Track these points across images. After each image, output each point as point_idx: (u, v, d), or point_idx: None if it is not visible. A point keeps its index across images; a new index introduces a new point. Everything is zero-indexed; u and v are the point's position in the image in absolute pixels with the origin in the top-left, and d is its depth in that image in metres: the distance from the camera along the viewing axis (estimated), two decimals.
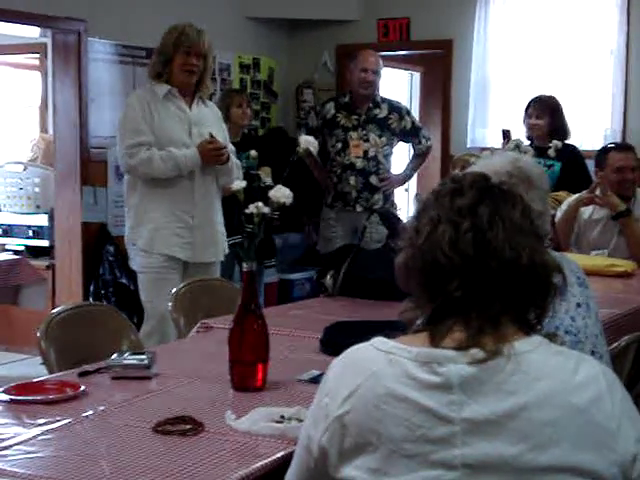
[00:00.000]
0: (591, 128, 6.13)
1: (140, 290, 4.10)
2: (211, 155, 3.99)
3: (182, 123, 4.04)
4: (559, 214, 4.32)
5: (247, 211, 2.16)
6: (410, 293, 1.37)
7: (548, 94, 5.30)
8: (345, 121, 5.43)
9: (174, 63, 3.99)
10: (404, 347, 1.30)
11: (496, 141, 5.35)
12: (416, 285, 1.35)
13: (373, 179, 5.41)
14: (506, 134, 5.20)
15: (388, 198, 5.51)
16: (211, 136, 4.00)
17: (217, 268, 4.18)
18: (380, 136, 5.40)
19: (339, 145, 5.42)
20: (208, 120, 4.13)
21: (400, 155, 6.20)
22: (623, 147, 4.60)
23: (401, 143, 5.73)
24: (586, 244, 4.38)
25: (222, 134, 4.18)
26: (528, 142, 5.04)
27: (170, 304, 3.23)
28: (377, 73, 5.37)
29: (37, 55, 6.93)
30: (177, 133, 4.02)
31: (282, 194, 2.16)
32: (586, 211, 4.40)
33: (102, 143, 5.76)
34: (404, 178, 5.75)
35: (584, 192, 4.36)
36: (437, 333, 1.30)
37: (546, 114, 5.09)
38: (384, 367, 1.28)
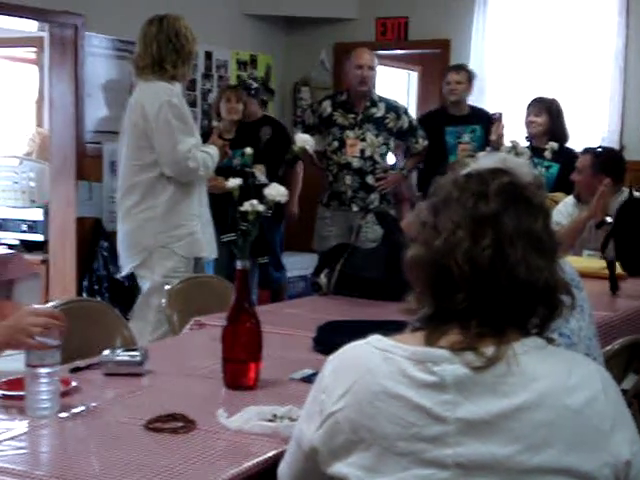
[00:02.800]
0: (589, 130, 6.13)
1: (154, 298, 3.87)
2: (222, 153, 4.04)
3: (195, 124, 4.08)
4: (560, 218, 4.28)
5: (242, 209, 2.15)
6: (414, 286, 1.36)
7: (551, 97, 5.32)
8: (342, 120, 5.42)
9: (192, 57, 3.95)
10: (400, 345, 1.29)
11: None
12: (423, 283, 1.34)
13: (369, 178, 5.41)
14: (496, 118, 5.25)
15: (384, 198, 5.50)
16: (219, 136, 4.03)
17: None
18: (377, 135, 5.39)
19: (335, 144, 5.41)
20: None
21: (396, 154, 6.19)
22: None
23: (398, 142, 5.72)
24: (578, 244, 4.37)
25: None
26: (527, 142, 5.06)
27: (164, 300, 3.22)
28: (372, 69, 5.36)
29: (34, 49, 6.91)
30: (197, 134, 4.04)
31: (277, 192, 2.15)
32: (575, 211, 4.38)
33: (98, 138, 5.75)
34: (400, 178, 5.74)
35: (593, 201, 4.25)
36: (434, 333, 1.30)
37: (545, 113, 5.10)
38: (379, 365, 1.28)
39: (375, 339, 1.32)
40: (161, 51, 3.86)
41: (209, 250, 4.13)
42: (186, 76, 4.02)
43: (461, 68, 5.63)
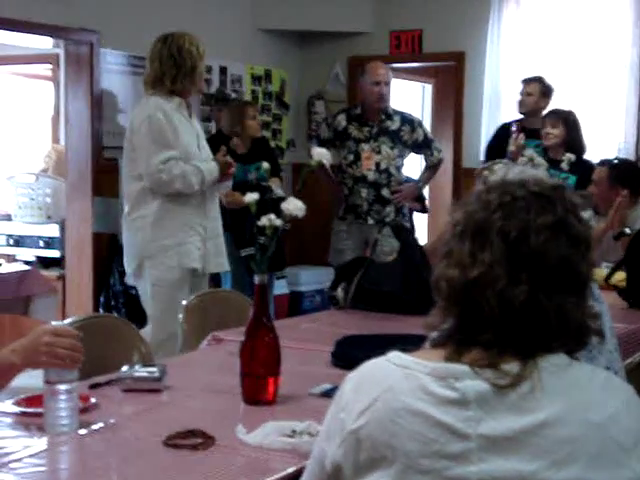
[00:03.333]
0: (605, 142, 6.11)
1: (150, 303, 4.03)
2: (228, 171, 4.05)
3: (193, 137, 4.06)
4: None
5: (259, 223, 2.15)
6: (439, 302, 1.34)
7: (567, 109, 5.29)
8: (357, 133, 5.42)
9: (196, 73, 3.97)
10: (420, 362, 1.28)
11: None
12: (451, 305, 1.32)
13: (385, 191, 5.40)
14: (518, 128, 5.22)
15: (400, 211, 5.49)
16: (228, 150, 4.03)
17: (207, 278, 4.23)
18: (392, 148, 5.39)
19: (351, 157, 5.41)
20: (203, 132, 4.21)
21: (412, 167, 6.19)
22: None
23: (412, 155, 5.72)
24: (597, 256, 4.34)
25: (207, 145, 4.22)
26: (543, 154, 5.04)
27: (181, 316, 3.22)
28: (388, 84, 5.37)
29: (50, 65, 6.95)
30: (193, 147, 4.03)
31: (295, 206, 2.15)
32: (592, 223, 4.35)
33: (113, 154, 5.77)
34: (416, 190, 5.73)
35: (610, 212, 4.23)
36: (456, 350, 1.29)
37: (561, 124, 5.08)
38: (400, 381, 1.27)
39: (395, 356, 1.31)
40: (162, 67, 3.96)
41: (214, 263, 4.12)
42: (191, 91, 4.04)
43: (532, 80, 5.57)
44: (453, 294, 1.30)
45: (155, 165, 3.87)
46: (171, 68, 3.94)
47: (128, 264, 4.10)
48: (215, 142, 5.13)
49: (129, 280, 4.21)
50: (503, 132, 5.59)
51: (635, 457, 1.24)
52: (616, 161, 4.44)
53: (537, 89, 5.50)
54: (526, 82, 5.59)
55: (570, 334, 1.29)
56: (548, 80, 5.58)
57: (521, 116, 5.59)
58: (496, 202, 1.30)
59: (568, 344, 1.31)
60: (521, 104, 5.55)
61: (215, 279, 5.52)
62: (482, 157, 5.83)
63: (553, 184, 1.34)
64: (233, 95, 5.92)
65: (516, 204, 1.30)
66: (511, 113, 6.26)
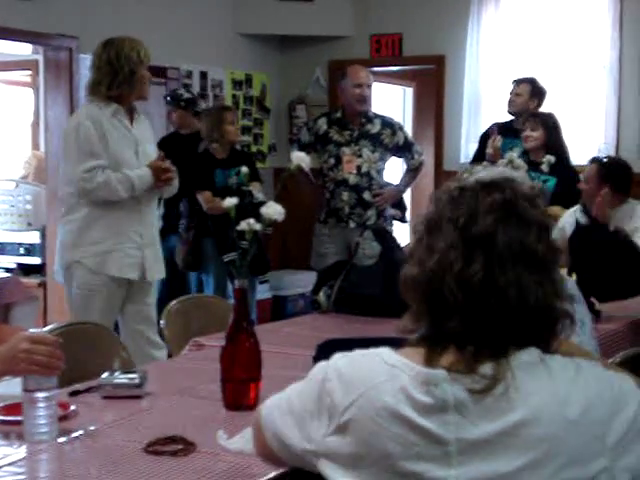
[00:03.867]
0: (585, 143, 6.14)
1: (71, 307, 3.99)
2: (163, 177, 3.96)
3: (129, 143, 3.96)
4: (567, 228, 4.29)
5: (239, 228, 2.14)
6: (410, 305, 1.35)
7: (547, 111, 5.31)
8: (338, 137, 5.41)
9: (136, 78, 3.88)
10: (407, 363, 1.28)
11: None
12: (418, 303, 1.33)
13: (366, 195, 5.40)
14: (495, 130, 5.24)
15: (381, 214, 5.49)
16: (164, 157, 3.98)
17: (152, 287, 4.13)
18: (373, 151, 5.39)
19: (332, 161, 5.41)
20: (147, 137, 4.10)
21: (393, 170, 6.19)
22: None
23: (394, 158, 5.72)
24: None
25: (155, 150, 4.14)
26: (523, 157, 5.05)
27: (162, 321, 3.20)
28: (370, 87, 5.36)
29: (29, 72, 6.92)
30: (127, 154, 3.94)
31: (274, 211, 2.14)
32: (582, 220, 4.36)
33: None
34: (397, 193, 5.74)
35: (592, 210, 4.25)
36: (433, 352, 1.29)
37: (540, 127, 5.10)
38: (385, 381, 1.27)
39: (386, 352, 1.31)
40: (99, 72, 3.90)
41: (154, 270, 4.05)
42: (129, 97, 3.94)
43: (523, 81, 5.57)
44: (418, 290, 1.32)
45: (79, 173, 3.83)
46: (108, 74, 3.86)
47: (57, 263, 4.08)
48: (167, 144, 5.11)
49: (57, 278, 4.16)
50: (485, 139, 5.61)
51: (610, 445, 1.24)
52: (606, 159, 4.45)
53: (527, 90, 5.51)
54: (517, 82, 5.60)
55: (532, 313, 1.28)
56: (540, 83, 5.59)
57: (511, 117, 5.62)
58: (445, 196, 1.34)
59: (536, 329, 1.30)
60: (510, 104, 5.57)
61: (199, 285, 5.52)
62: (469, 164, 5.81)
63: (506, 176, 1.36)
64: (186, 95, 5.78)
65: (465, 194, 1.33)
66: (491, 115, 6.30)
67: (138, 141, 3.99)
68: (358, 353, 1.34)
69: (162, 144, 4.84)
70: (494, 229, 1.28)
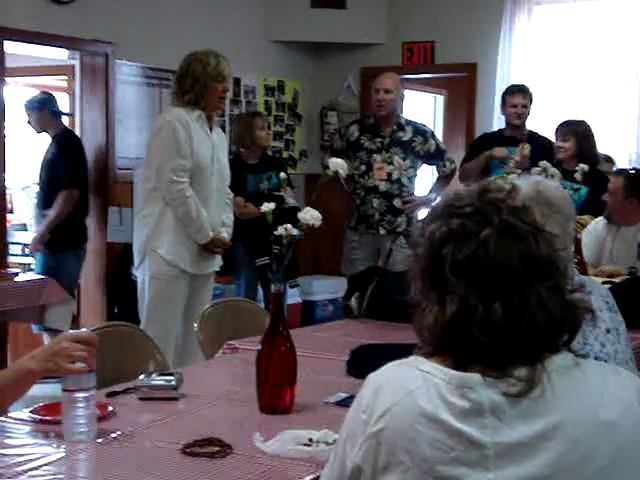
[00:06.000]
0: (617, 152, 6.11)
1: (145, 295, 4.18)
2: (215, 249, 4.25)
3: (208, 148, 4.17)
4: (589, 238, 4.27)
5: (276, 233, 2.16)
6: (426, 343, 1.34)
7: (579, 119, 5.26)
8: (369, 143, 5.43)
9: (208, 91, 4.09)
10: (441, 368, 1.29)
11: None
12: (439, 347, 1.32)
13: (396, 202, 5.40)
14: (521, 139, 5.23)
15: (411, 221, 5.50)
16: (238, 160, 4.10)
17: (213, 277, 4.42)
18: (404, 159, 5.40)
19: (363, 167, 5.42)
20: (222, 145, 4.32)
21: (424, 177, 6.20)
22: None
23: (425, 165, 5.73)
24: (605, 262, 4.34)
25: (227, 158, 4.38)
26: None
27: (196, 325, 3.24)
28: (389, 92, 5.31)
29: (65, 77, 6.99)
30: (206, 159, 4.15)
31: (311, 216, 2.16)
32: (605, 232, 4.34)
33: (128, 164, 5.81)
34: (428, 201, 5.73)
35: None
36: (462, 362, 1.29)
37: (571, 137, 5.07)
38: (420, 387, 1.28)
39: (418, 359, 1.32)
40: (180, 82, 4.14)
41: (202, 265, 4.26)
42: (206, 108, 4.13)
43: (526, 91, 5.48)
44: (437, 336, 1.31)
45: (167, 172, 4.03)
46: (187, 84, 4.09)
47: (135, 257, 4.27)
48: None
49: (135, 271, 4.34)
50: (484, 142, 5.58)
51: None
52: (632, 171, 4.43)
53: (528, 98, 5.48)
54: (522, 93, 5.48)
55: (557, 321, 1.28)
56: (532, 88, 5.57)
57: (498, 126, 5.61)
58: (437, 237, 1.32)
59: (563, 330, 1.30)
60: (519, 115, 5.46)
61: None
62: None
63: (477, 193, 1.34)
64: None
65: (455, 230, 1.30)
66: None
67: (215, 147, 4.19)
68: (390, 364, 1.34)
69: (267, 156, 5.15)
70: (499, 260, 1.28)
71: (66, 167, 5.29)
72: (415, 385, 1.28)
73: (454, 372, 1.28)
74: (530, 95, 5.47)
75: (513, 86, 5.66)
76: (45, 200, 5.33)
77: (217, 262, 4.38)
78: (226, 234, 4.32)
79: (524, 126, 5.50)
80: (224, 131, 6.42)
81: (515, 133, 5.47)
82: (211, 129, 4.20)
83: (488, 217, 1.30)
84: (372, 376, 1.35)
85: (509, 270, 1.27)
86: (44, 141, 5.58)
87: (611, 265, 4.18)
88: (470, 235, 1.29)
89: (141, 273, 4.21)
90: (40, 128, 5.45)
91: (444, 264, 1.29)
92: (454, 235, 1.30)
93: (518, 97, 5.44)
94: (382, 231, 5.39)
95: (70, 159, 5.33)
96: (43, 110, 5.37)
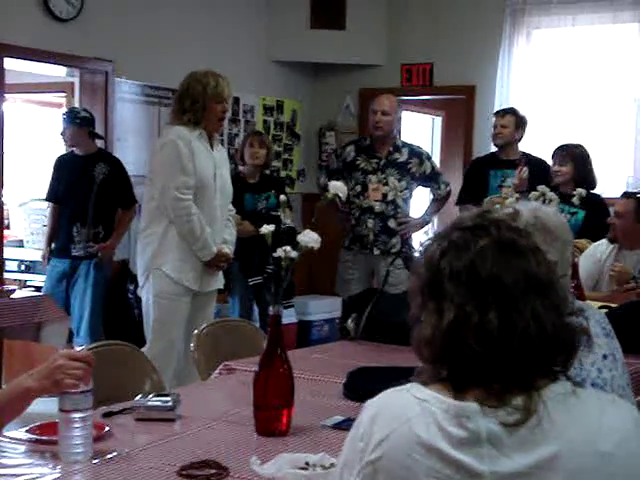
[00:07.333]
0: (613, 176, 6.13)
1: (150, 313, 4.18)
2: (220, 264, 4.28)
3: (210, 165, 4.19)
4: (581, 261, 4.27)
5: (275, 255, 2.16)
6: (424, 362, 1.35)
7: (575, 143, 5.29)
8: (365, 164, 5.45)
9: (207, 111, 4.11)
10: (438, 397, 1.29)
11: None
12: (435, 361, 1.33)
13: (391, 223, 5.42)
14: (518, 163, 5.25)
15: (406, 242, 5.51)
16: (238, 179, 4.12)
17: (215, 294, 4.43)
18: (399, 180, 5.42)
19: (358, 188, 5.44)
20: (223, 162, 4.34)
21: (419, 199, 6.21)
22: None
23: (420, 187, 5.74)
24: (605, 289, 4.33)
25: (229, 175, 4.40)
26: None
27: (192, 345, 3.23)
28: (387, 114, 5.34)
29: (64, 94, 7.01)
30: (208, 176, 4.18)
31: (311, 238, 2.17)
32: (607, 254, 4.34)
33: None
34: (422, 222, 5.75)
35: None
36: (459, 388, 1.29)
37: (569, 161, 5.08)
38: (417, 415, 1.28)
39: (415, 387, 1.32)
40: (180, 101, 4.17)
41: (211, 282, 4.30)
42: (206, 127, 4.15)
43: (506, 112, 5.59)
44: (433, 349, 1.31)
45: (171, 190, 4.05)
46: (186, 103, 4.11)
47: (139, 277, 4.29)
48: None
49: (139, 291, 4.35)
50: (478, 166, 5.62)
51: None
52: None
53: (512, 121, 5.51)
54: (500, 114, 5.59)
55: (551, 340, 1.29)
56: (522, 112, 5.61)
57: (494, 149, 5.64)
58: (437, 252, 1.33)
59: (557, 350, 1.31)
60: (496, 137, 5.54)
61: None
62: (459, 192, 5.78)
63: (477, 213, 1.37)
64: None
65: (455, 244, 1.33)
66: (520, 146, 6.29)
67: (217, 164, 4.21)
68: (387, 392, 1.34)
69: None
70: (497, 271, 1.29)
71: (127, 187, 5.46)
72: (412, 413, 1.28)
73: (451, 401, 1.28)
74: (516, 117, 5.51)
75: (497, 110, 5.77)
76: (96, 217, 5.36)
77: (220, 280, 4.40)
78: (228, 250, 4.33)
79: (512, 148, 5.52)
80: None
81: (502, 154, 5.50)
82: (212, 146, 4.22)
83: (488, 230, 1.33)
84: (370, 403, 1.35)
85: (506, 283, 1.28)
86: (43, 158, 5.58)
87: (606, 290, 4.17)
88: (469, 244, 1.31)
89: (145, 292, 4.22)
90: (72, 143, 5.48)
91: (443, 274, 1.31)
92: (454, 246, 1.32)
93: (498, 118, 5.56)
94: (376, 251, 5.40)
95: (128, 179, 5.48)
96: (82, 128, 5.37)
